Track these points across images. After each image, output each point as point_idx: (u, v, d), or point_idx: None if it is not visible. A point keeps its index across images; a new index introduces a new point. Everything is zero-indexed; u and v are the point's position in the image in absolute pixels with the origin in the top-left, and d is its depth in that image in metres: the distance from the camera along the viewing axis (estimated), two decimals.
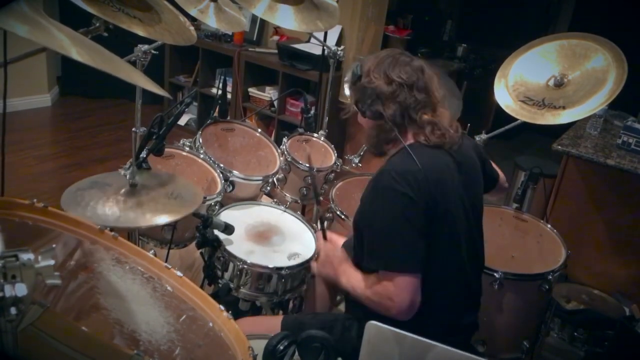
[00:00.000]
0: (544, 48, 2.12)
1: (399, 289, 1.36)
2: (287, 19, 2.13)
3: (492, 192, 1.81)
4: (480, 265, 1.64)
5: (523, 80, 2.10)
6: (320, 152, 2.48)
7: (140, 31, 1.43)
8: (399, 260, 1.38)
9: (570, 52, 2.06)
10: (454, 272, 1.49)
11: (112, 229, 1.18)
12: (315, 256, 1.72)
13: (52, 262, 0.70)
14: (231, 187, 2.05)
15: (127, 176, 1.48)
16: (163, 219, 1.43)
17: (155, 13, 1.52)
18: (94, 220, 1.25)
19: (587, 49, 2.03)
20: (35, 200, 1.09)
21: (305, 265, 1.80)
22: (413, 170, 1.38)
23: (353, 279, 1.50)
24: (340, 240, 1.71)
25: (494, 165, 1.79)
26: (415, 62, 1.49)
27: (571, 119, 1.99)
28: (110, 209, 1.37)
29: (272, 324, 1.61)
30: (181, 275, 1.14)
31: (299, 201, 2.36)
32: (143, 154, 1.63)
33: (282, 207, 2.08)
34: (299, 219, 2.03)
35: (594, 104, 1.93)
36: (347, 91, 1.72)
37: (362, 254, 1.50)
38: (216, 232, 1.73)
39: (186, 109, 2.20)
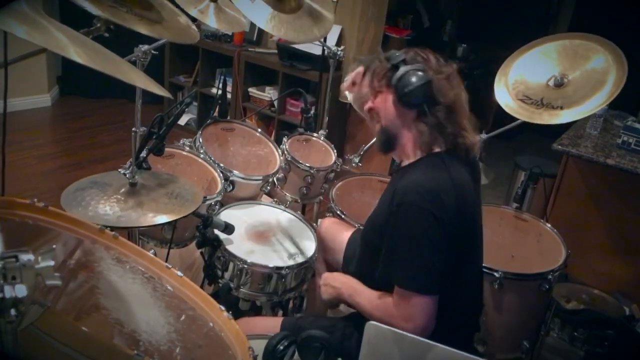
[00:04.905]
0: (545, 48, 2.12)
1: (415, 311, 1.29)
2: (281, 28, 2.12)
3: None
4: (481, 267, 1.63)
5: (523, 80, 2.10)
6: (320, 151, 2.48)
7: (142, 30, 1.43)
8: (418, 281, 1.30)
9: (572, 52, 2.05)
10: (470, 281, 1.48)
11: (112, 229, 1.18)
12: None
13: (52, 262, 0.70)
14: (231, 187, 2.05)
15: (127, 175, 1.47)
16: (164, 219, 1.43)
17: (157, 12, 1.53)
18: (95, 220, 1.25)
19: (587, 50, 2.02)
20: (35, 199, 1.09)
21: (305, 265, 1.80)
22: (442, 187, 1.31)
23: (358, 295, 1.43)
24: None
25: None
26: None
27: (568, 120, 1.99)
28: (111, 209, 1.38)
29: (272, 324, 1.60)
30: (181, 275, 1.14)
31: (299, 200, 2.36)
32: (143, 154, 1.63)
33: (282, 207, 2.08)
34: (299, 219, 2.03)
35: (591, 106, 1.93)
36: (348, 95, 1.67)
37: (369, 266, 1.45)
38: (216, 231, 1.73)
39: (186, 109, 2.20)
